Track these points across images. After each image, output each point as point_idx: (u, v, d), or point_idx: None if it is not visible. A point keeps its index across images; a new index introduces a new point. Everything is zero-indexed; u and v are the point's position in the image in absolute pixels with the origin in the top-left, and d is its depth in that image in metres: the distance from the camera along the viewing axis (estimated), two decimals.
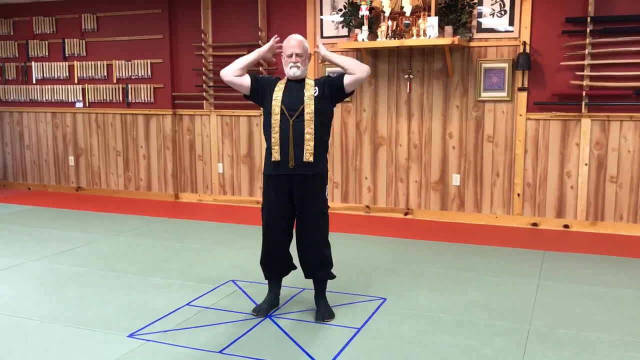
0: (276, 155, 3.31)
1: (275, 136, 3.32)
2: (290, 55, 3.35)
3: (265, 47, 3.55)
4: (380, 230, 5.58)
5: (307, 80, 3.40)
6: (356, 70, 3.37)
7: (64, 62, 7.50)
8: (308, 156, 3.29)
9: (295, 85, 3.39)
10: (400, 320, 3.43)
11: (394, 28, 5.61)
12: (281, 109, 3.32)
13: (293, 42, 3.37)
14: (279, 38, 3.57)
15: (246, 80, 3.44)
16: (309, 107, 3.31)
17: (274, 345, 3.10)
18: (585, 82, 5.32)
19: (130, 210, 6.54)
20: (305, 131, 3.29)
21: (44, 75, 7.63)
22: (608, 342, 3.12)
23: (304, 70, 3.37)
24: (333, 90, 3.41)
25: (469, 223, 5.83)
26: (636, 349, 3.05)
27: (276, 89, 3.39)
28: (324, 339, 3.18)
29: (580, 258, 4.65)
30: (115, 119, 7.31)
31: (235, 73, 3.44)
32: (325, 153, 3.46)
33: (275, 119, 3.32)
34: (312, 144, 3.29)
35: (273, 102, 3.35)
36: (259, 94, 3.46)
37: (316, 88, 3.38)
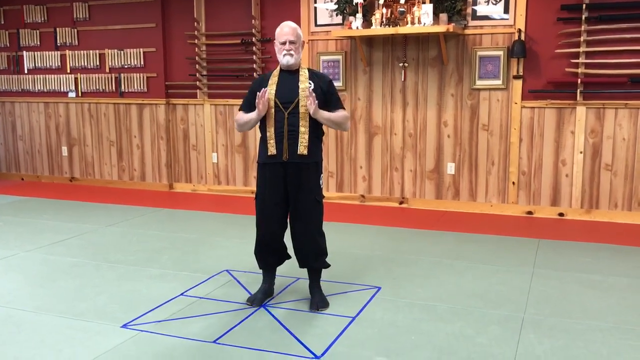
0: (272, 150, 3.29)
1: (271, 130, 3.30)
2: (284, 43, 3.31)
3: (259, 108, 3.29)
4: (375, 220, 5.57)
5: (301, 71, 3.37)
6: (336, 128, 3.52)
7: (55, 52, 7.43)
8: (302, 149, 3.28)
9: (289, 77, 3.35)
10: (395, 309, 3.42)
11: (389, 16, 5.57)
12: (275, 103, 3.30)
13: (286, 29, 3.33)
14: (264, 90, 3.30)
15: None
16: (304, 100, 3.28)
17: (268, 335, 3.09)
18: (580, 70, 5.30)
19: (124, 200, 6.51)
20: (300, 124, 3.27)
21: (36, 65, 7.56)
22: (603, 330, 3.12)
23: (297, 57, 3.33)
24: (323, 97, 3.36)
25: (464, 212, 5.83)
26: (631, 336, 3.05)
27: (270, 82, 3.36)
28: (318, 328, 3.17)
29: (575, 246, 4.66)
30: (109, 108, 7.26)
31: (248, 129, 3.53)
32: (320, 142, 3.44)
33: (270, 112, 3.30)
34: (306, 136, 3.28)
35: (267, 96, 3.31)
36: None
37: (311, 82, 3.34)
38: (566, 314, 3.34)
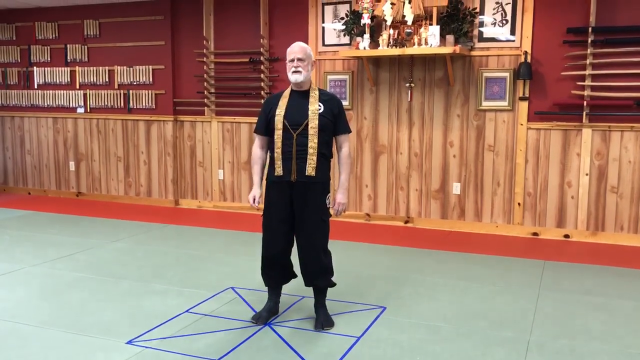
0: (279, 170, 3.31)
1: (278, 151, 3.32)
2: (292, 60, 3.33)
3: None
4: (381, 239, 5.57)
5: (311, 92, 3.38)
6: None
7: (65, 68, 7.51)
8: (310, 170, 3.30)
9: (300, 98, 3.36)
10: (400, 329, 3.41)
11: (396, 36, 5.62)
12: (284, 124, 3.32)
13: (296, 48, 3.36)
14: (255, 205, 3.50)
15: (265, 137, 3.47)
16: (313, 121, 3.29)
17: (273, 353, 3.09)
18: (586, 92, 5.33)
19: (130, 216, 6.54)
20: (309, 146, 3.29)
21: (46, 81, 7.64)
22: (608, 353, 3.10)
23: (306, 75, 3.34)
24: (333, 119, 3.39)
25: (470, 232, 5.83)
26: None
27: (280, 103, 3.37)
28: (323, 348, 3.16)
29: (581, 268, 4.64)
30: (117, 124, 7.32)
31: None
32: (328, 163, 3.45)
33: (278, 134, 3.32)
34: (314, 158, 3.29)
35: (276, 118, 3.33)
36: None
37: (321, 104, 3.35)
38: (572, 336, 3.32)
